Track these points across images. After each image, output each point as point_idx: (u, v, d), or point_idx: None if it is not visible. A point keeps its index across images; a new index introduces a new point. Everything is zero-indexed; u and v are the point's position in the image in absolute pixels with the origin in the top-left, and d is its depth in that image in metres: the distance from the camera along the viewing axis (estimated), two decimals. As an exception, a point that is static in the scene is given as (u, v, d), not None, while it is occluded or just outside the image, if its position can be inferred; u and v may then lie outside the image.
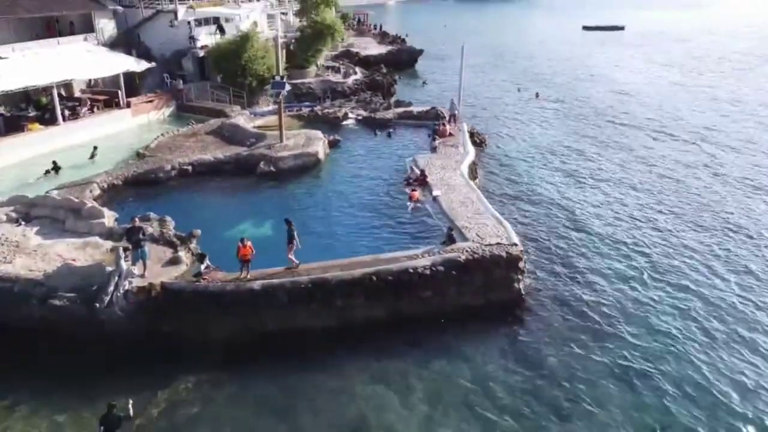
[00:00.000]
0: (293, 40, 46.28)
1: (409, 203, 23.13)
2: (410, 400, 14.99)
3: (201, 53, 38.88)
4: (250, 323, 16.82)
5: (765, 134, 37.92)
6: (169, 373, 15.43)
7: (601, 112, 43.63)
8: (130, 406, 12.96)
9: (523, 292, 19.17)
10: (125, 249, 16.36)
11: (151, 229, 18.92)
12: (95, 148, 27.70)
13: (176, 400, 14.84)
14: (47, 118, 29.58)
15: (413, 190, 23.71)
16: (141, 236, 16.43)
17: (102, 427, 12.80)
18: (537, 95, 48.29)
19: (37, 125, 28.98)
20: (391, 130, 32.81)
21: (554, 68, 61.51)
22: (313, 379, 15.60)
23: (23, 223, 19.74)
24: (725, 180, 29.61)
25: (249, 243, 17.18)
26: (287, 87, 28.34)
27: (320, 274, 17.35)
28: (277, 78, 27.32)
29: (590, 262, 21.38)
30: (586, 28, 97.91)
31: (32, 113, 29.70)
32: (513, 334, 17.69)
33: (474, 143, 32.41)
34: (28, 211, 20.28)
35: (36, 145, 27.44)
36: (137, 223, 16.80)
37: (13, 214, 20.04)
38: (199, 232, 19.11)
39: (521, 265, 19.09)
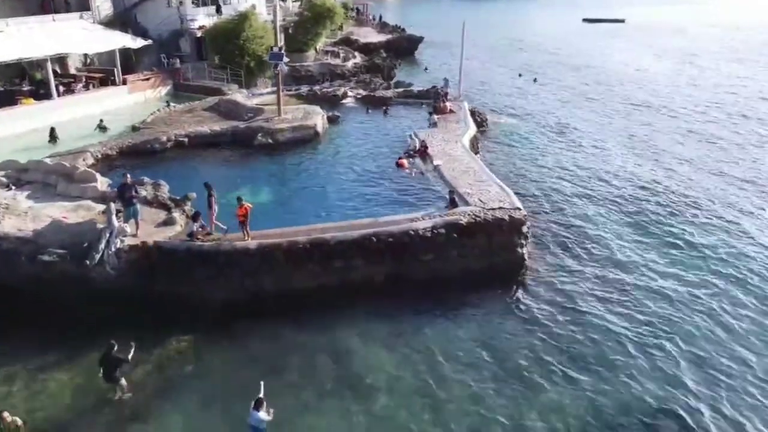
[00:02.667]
0: (292, 24, 45.82)
1: (405, 171, 22.94)
2: (406, 359, 14.61)
3: (198, 33, 38.40)
4: (247, 283, 16.34)
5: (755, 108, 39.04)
6: (162, 332, 15.02)
7: (597, 93, 43.88)
8: (132, 350, 12.78)
9: (526, 257, 18.72)
10: (117, 208, 15.83)
11: (145, 192, 18.46)
12: (101, 120, 27.20)
13: (169, 358, 14.51)
14: (42, 93, 29.09)
15: (400, 158, 23.63)
16: (133, 193, 15.93)
17: (101, 368, 12.62)
18: (535, 80, 48.40)
19: (31, 100, 28.50)
20: (386, 108, 32.29)
21: (554, 57, 61.06)
22: (308, 339, 15.22)
23: (14, 187, 19.27)
24: (720, 147, 30.87)
25: (246, 204, 16.67)
26: (285, 59, 27.83)
27: (319, 235, 16.89)
28: (275, 49, 26.84)
29: (594, 230, 21.03)
30: (586, 20, 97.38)
31: (26, 88, 29.23)
32: (515, 297, 17.28)
33: (475, 122, 32.07)
34: (20, 176, 19.81)
35: (29, 119, 26.96)
36: (129, 180, 16.27)
37: (4, 179, 19.56)
38: (194, 195, 18.66)
39: (524, 229, 18.65)
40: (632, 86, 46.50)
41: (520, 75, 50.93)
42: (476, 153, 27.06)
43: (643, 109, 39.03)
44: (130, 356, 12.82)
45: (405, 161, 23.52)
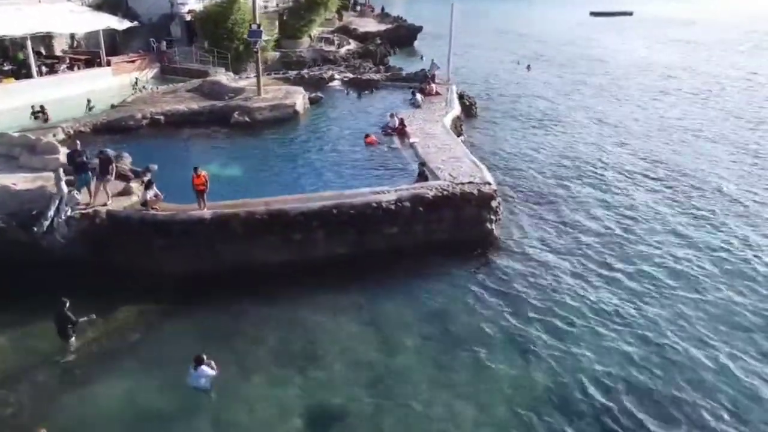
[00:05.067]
0: (286, 10, 45.38)
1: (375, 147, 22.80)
2: (362, 331, 14.21)
3: (188, 17, 38.08)
4: (203, 255, 15.93)
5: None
6: (113, 302, 14.58)
7: (591, 81, 43.44)
8: (89, 317, 13.22)
9: (495, 232, 18.18)
10: (66, 172, 15.46)
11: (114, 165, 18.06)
12: (89, 101, 26.98)
13: (119, 326, 14.14)
14: (24, 73, 28.88)
15: (368, 135, 23.34)
16: (83, 159, 15.54)
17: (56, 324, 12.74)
18: (528, 67, 47.97)
19: (11, 79, 28.29)
20: (360, 91, 31.90)
21: (555, 48, 60.26)
22: (263, 311, 14.82)
23: (-23, 159, 19.00)
24: (708, 134, 30.19)
25: (203, 173, 16.28)
26: (264, 36, 27.41)
27: (278, 206, 16.43)
28: (254, 26, 26.42)
29: (571, 212, 20.47)
30: (593, 13, 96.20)
31: (7, 67, 29.03)
32: (480, 272, 16.81)
33: (463, 105, 31.55)
34: (-17, 149, 19.52)
35: (8, 97, 26.65)
36: (79, 147, 15.89)
37: (-32, 151, 19.30)
38: (155, 167, 18.17)
39: (494, 204, 18.12)
40: (629, 75, 45.97)
41: (518, 63, 50.43)
42: (459, 135, 26.52)
43: (636, 97, 38.51)
44: (81, 319, 13.00)
45: (374, 138, 23.03)
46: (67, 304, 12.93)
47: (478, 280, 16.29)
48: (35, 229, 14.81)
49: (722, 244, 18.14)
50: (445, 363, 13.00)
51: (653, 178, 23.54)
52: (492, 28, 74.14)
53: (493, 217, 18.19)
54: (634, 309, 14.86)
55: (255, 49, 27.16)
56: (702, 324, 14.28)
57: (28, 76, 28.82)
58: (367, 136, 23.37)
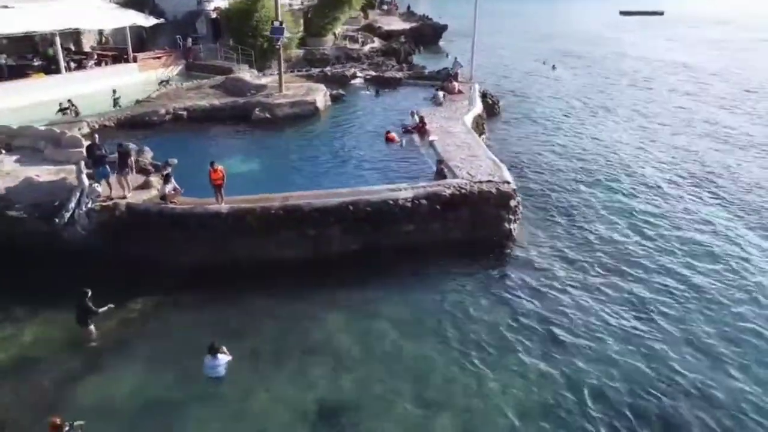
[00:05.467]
0: (311, 8, 45.55)
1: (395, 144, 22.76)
2: (375, 328, 14.04)
3: (213, 14, 38.46)
4: (218, 249, 16.03)
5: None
6: (129, 293, 14.75)
7: (616, 81, 42.85)
8: (107, 307, 13.29)
9: (513, 232, 17.93)
10: (87, 165, 15.70)
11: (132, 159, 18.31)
12: (114, 92, 27.43)
13: (134, 316, 14.29)
14: (53, 69, 29.48)
15: (389, 132, 23.21)
16: (102, 153, 15.75)
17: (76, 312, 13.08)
18: (553, 67, 47.61)
19: (41, 74, 28.91)
20: (377, 89, 31.82)
21: (584, 47, 59.53)
22: (276, 306, 14.81)
23: (4, 152, 19.41)
24: (738, 141, 28.79)
25: (220, 168, 16.39)
26: (287, 33, 27.50)
27: (294, 201, 16.46)
28: (276, 24, 26.54)
29: (593, 216, 19.91)
30: (623, 13, 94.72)
31: (37, 63, 29.65)
32: (496, 272, 16.57)
33: (486, 105, 31.30)
34: (10, 142, 19.95)
35: (37, 92, 27.24)
36: (97, 140, 16.11)
37: (-5, 144, 19.75)
38: (175, 161, 18.35)
39: (513, 203, 17.86)
40: (657, 77, 45.00)
41: (543, 63, 49.96)
42: (481, 133, 26.31)
43: (664, 99, 37.57)
44: (101, 310, 13.17)
45: (394, 135, 22.96)
46: (89, 294, 13.14)
47: (494, 280, 16.09)
48: (56, 220, 15.07)
49: (749, 259, 17.31)
50: (456, 363, 12.83)
51: (678, 186, 22.67)
52: (520, 28, 73.64)
53: (511, 217, 17.94)
54: (650, 321, 14.32)
55: (277, 46, 27.28)
56: (720, 344, 13.58)
57: (57, 71, 29.40)
58: (387, 133, 23.26)
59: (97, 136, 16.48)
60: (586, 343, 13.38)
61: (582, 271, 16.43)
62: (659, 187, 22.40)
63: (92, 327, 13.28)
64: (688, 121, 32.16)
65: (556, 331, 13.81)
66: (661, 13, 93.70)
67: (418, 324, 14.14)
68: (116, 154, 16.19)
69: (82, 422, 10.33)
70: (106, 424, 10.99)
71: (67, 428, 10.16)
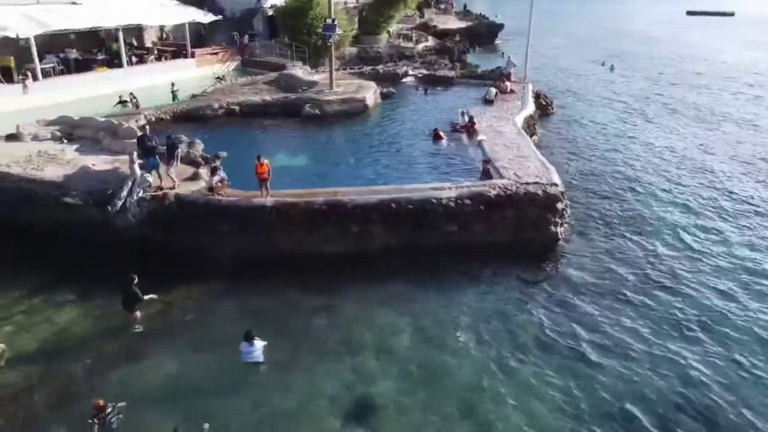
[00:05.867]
0: (366, 6, 45.75)
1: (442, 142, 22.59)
2: (412, 328, 13.87)
3: (270, 12, 39.13)
4: (262, 241, 16.26)
5: None
6: (174, 281, 15.12)
7: (678, 85, 40.96)
8: (151, 296, 13.69)
9: (559, 236, 17.45)
10: (139, 155, 16.20)
11: (180, 150, 18.81)
12: (173, 84, 28.37)
13: (176, 305, 14.59)
14: (116, 63, 30.67)
15: (437, 131, 23.09)
16: (152, 144, 16.21)
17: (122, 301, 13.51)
18: (612, 68, 46.37)
19: (105, 68, 30.12)
20: (439, 88, 31.65)
21: (646, 48, 57.62)
22: (315, 300, 14.87)
23: (66, 141, 20.29)
24: None
25: (266, 162, 16.61)
26: (338, 30, 27.68)
27: (337, 197, 16.52)
28: (329, 21, 26.75)
29: (646, 223, 19.07)
30: (690, 13, 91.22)
31: (101, 57, 30.90)
32: (541, 277, 16.14)
33: (540, 105, 30.72)
34: (72, 131, 20.83)
35: (101, 85, 28.43)
36: (148, 131, 16.60)
37: (58, 133, 20.65)
38: (224, 154, 18.79)
39: (560, 206, 17.38)
40: (723, 81, 42.79)
41: (602, 64, 48.58)
42: (532, 134, 25.81)
43: (729, 106, 35.69)
44: (146, 296, 13.55)
45: (442, 133, 22.77)
46: (136, 280, 13.52)
47: (535, 286, 15.66)
48: (109, 208, 15.60)
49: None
50: (491, 366, 12.56)
51: (738, 202, 21.15)
52: (581, 28, 71.87)
53: (558, 220, 17.47)
54: (694, 343, 13.47)
55: (328, 44, 27.50)
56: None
57: (119, 65, 30.56)
58: (435, 131, 23.09)
59: (147, 127, 16.99)
60: (622, 361, 12.73)
61: (626, 283, 15.71)
62: (716, 201, 21.09)
63: (137, 313, 13.68)
64: (755, 131, 30.37)
65: (592, 345, 13.25)
66: (732, 14, 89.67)
67: (455, 326, 13.92)
68: (165, 146, 16.63)
69: (123, 404, 10.66)
70: (146, 407, 11.27)
71: (109, 410, 10.50)
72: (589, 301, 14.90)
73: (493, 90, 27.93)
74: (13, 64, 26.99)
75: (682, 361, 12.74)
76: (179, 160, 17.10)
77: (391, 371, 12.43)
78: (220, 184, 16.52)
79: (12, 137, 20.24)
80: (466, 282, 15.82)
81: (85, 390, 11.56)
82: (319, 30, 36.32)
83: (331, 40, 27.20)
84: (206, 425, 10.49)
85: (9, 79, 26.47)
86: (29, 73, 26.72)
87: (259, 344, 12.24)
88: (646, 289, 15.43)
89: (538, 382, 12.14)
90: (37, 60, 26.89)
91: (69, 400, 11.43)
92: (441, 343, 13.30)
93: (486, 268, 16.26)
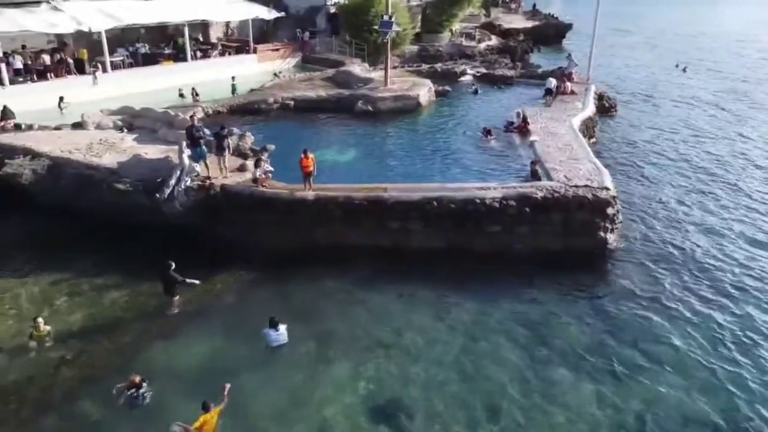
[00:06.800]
0: (428, 4, 45.38)
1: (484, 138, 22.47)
2: (447, 328, 13.74)
3: (332, 9, 39.49)
4: (301, 233, 16.38)
5: None
6: (215, 268, 15.57)
7: (763, 92, 38.10)
8: (192, 280, 14.14)
9: (609, 242, 16.68)
10: (188, 145, 16.61)
11: (229, 141, 19.22)
12: (233, 78, 29.13)
13: (215, 291, 14.98)
14: (181, 57, 31.73)
15: (486, 129, 22.82)
16: (199, 134, 16.58)
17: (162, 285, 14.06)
18: (684, 70, 44.14)
19: (171, 62, 31.22)
20: (479, 87, 30.96)
21: (725, 51, 54.49)
22: (350, 295, 14.96)
23: (126, 130, 21.12)
24: None
25: (311, 156, 16.69)
26: (395, 27, 27.53)
27: (377, 193, 16.42)
28: (386, 18, 26.67)
29: (704, 238, 17.96)
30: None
31: (168, 51, 32.05)
32: (586, 284, 15.54)
33: (602, 106, 29.58)
34: (133, 121, 21.67)
35: (166, 77, 29.49)
36: (196, 122, 17.00)
37: (119, 122, 21.53)
38: (272, 147, 19.08)
39: (610, 211, 16.61)
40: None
41: (677, 66, 46.24)
42: (591, 137, 24.90)
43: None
44: (188, 280, 13.98)
45: (492, 131, 22.32)
46: (173, 266, 13.93)
47: (581, 292, 15.09)
48: (158, 195, 16.07)
49: None
50: (527, 374, 12.18)
51: None
52: (660, 29, 68.75)
53: (609, 225, 16.70)
54: (751, 363, 12.64)
55: (384, 40, 27.43)
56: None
57: (184, 59, 31.59)
58: (485, 130, 22.64)
59: (196, 118, 17.36)
60: (669, 377, 12.10)
61: (679, 295, 14.91)
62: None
63: (176, 297, 14.05)
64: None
65: (638, 359, 12.66)
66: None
67: (490, 330, 13.59)
68: (213, 137, 17.00)
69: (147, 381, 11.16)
70: (175, 385, 11.64)
71: (145, 384, 11.03)
72: (634, 313, 14.21)
73: (553, 80, 27.13)
74: (86, 57, 28.36)
75: (730, 386, 11.91)
76: (230, 150, 17.44)
77: (421, 371, 12.28)
78: (264, 176, 16.72)
79: (77, 125, 21.27)
80: (506, 286, 15.42)
81: (117, 366, 11.98)
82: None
83: (387, 37, 27.08)
84: (228, 385, 10.85)
85: (82, 70, 27.81)
86: (99, 65, 28.01)
87: (283, 329, 12.58)
88: (697, 306, 14.54)
89: (574, 393, 11.65)
90: (107, 53, 28.12)
91: (102, 375, 11.89)
92: (476, 348, 13.02)
93: (529, 272, 15.76)
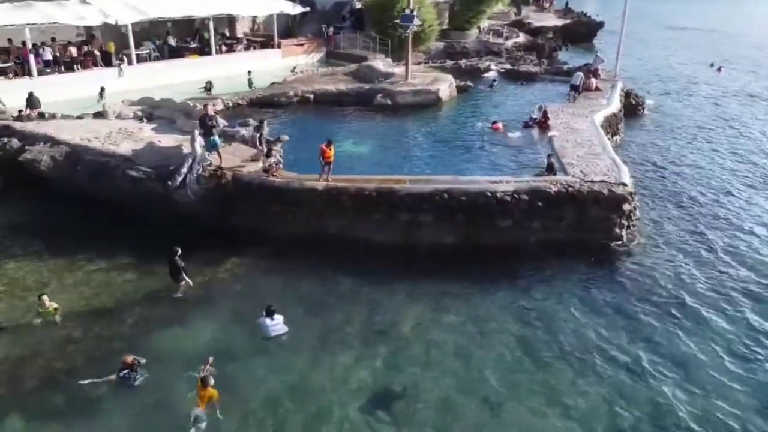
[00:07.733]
0: (456, 1, 45.04)
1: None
2: (455, 323, 13.41)
3: (358, 5, 39.48)
4: (310, 223, 16.34)
5: None
6: (223, 256, 15.56)
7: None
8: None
9: (624, 239, 16.23)
10: (200, 133, 16.72)
11: (244, 131, 19.34)
12: (249, 72, 29.39)
13: (221, 279, 14.96)
14: (206, 51, 32.09)
15: (495, 122, 22.78)
16: (213, 123, 16.66)
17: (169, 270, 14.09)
18: (719, 69, 42.93)
19: (196, 55, 31.60)
20: (493, 81, 30.61)
21: (763, 52, 52.79)
22: (357, 286, 14.74)
23: (145, 120, 21.41)
24: None
25: (332, 146, 16.60)
26: (417, 21, 27.33)
27: (388, 185, 16.27)
28: (407, 11, 26.51)
29: (725, 242, 17.23)
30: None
31: (193, 45, 32.44)
32: (598, 280, 15.10)
33: (629, 104, 28.90)
34: (153, 112, 21.96)
35: (190, 70, 29.86)
36: (209, 111, 17.08)
37: (140, 113, 21.84)
38: (286, 137, 19.11)
39: (626, 207, 16.18)
40: None
41: (711, 65, 45.00)
42: (614, 134, 24.39)
43: None
44: (185, 276, 14.02)
45: (499, 125, 22.41)
46: (179, 252, 14.00)
47: (593, 289, 14.69)
48: (170, 182, 16.21)
49: None
50: (535, 370, 11.91)
51: None
52: (697, 28, 67.02)
53: (624, 222, 16.27)
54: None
55: (405, 34, 27.26)
56: None
57: (209, 53, 31.94)
58: (494, 122, 22.52)
59: (209, 108, 17.44)
60: (683, 383, 11.65)
61: (690, 298, 14.35)
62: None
63: (183, 283, 14.12)
64: None
65: (646, 362, 12.19)
66: None
67: (499, 326, 13.29)
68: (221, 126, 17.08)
69: (144, 360, 11.30)
70: (174, 367, 11.66)
71: (138, 365, 11.16)
72: (646, 312, 13.80)
73: (580, 74, 26.61)
74: (113, 50, 28.88)
75: (741, 387, 11.45)
76: (262, 142, 17.58)
77: (422, 364, 12.07)
78: (274, 165, 16.73)
79: (98, 115, 21.65)
80: (517, 281, 15.10)
81: (119, 348, 12.05)
82: (402, 22, 36.44)
83: (408, 31, 26.89)
84: (211, 358, 11.13)
85: (108, 63, 28.33)
86: (125, 58, 28.49)
87: (279, 318, 12.49)
88: (711, 308, 14.00)
89: (579, 392, 11.33)
90: (133, 46, 28.60)
91: (105, 355, 11.96)
92: (481, 344, 12.74)
93: (541, 268, 15.46)
